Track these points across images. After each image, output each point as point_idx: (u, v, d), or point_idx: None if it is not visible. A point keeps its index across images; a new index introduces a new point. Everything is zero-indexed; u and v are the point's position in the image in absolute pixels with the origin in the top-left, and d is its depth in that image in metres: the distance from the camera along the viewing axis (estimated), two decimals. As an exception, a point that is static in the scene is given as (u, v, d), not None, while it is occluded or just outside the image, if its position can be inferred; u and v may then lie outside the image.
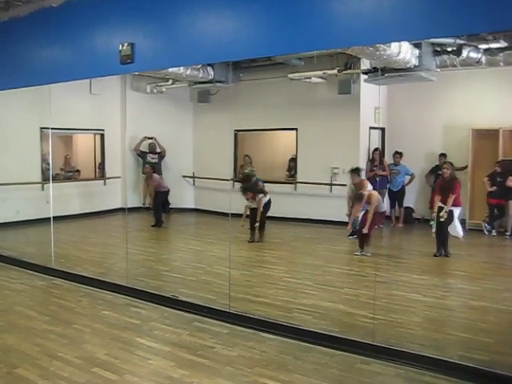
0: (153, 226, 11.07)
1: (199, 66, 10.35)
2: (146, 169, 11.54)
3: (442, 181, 8.43)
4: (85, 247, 9.38)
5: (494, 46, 8.67)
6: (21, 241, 9.17)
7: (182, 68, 9.94)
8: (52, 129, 9.35)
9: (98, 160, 12.79)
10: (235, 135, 12.48)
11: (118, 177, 12.37)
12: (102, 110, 12.33)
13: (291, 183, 11.74)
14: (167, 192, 11.30)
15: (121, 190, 12.32)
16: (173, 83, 11.92)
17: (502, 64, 8.98)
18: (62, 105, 9.83)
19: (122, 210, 11.24)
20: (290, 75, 10.53)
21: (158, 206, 11.17)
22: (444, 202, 8.12)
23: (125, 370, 4.30)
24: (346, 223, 9.35)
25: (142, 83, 12.41)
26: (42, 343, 4.87)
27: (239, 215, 9.30)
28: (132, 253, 7.93)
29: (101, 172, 12.69)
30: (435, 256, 8.02)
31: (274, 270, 7.69)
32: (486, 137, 10.52)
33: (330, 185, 11.10)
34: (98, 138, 12.69)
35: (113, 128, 12.48)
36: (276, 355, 4.64)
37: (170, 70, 9.73)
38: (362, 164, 11.06)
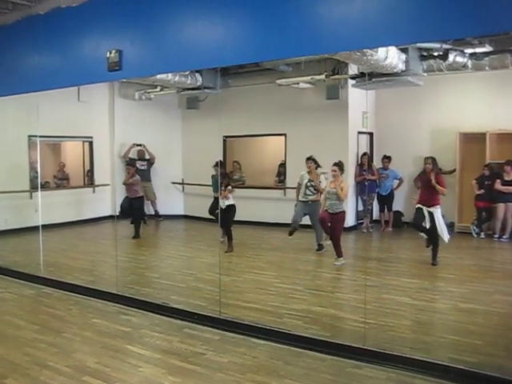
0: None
1: (187, 73, 10.35)
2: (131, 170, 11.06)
3: (424, 177, 8.23)
4: (74, 255, 9.32)
5: (479, 50, 8.77)
6: (9, 250, 9.09)
7: (170, 75, 9.93)
8: (40, 137, 9.29)
9: (87, 167, 12.74)
10: (224, 141, 12.47)
11: (107, 184, 12.31)
12: (91, 117, 12.27)
13: (280, 189, 11.75)
14: (138, 199, 10.92)
15: (110, 197, 12.27)
16: (161, 90, 11.89)
17: (487, 68, 9.07)
18: (50, 112, 9.76)
19: (111, 217, 11.20)
20: (278, 81, 10.55)
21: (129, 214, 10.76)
22: (426, 200, 8.09)
23: (116, 378, 4.28)
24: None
25: (131, 90, 12.37)
26: (31, 352, 4.83)
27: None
28: (122, 260, 7.90)
29: (90, 179, 12.64)
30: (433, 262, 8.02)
31: (265, 276, 7.69)
32: (473, 140, 10.59)
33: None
34: (86, 145, 12.64)
35: (101, 135, 12.42)
36: (267, 361, 4.63)
37: (158, 76, 9.72)
38: (351, 169, 11.12)
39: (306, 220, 9.07)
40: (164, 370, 4.43)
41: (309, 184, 8.99)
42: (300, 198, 9.09)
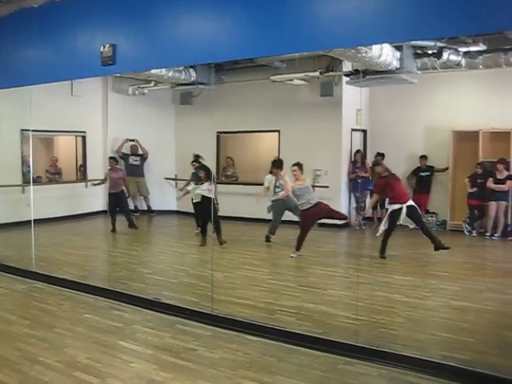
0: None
1: (181, 68, 10.33)
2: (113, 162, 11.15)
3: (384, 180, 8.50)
4: (66, 250, 9.29)
5: (473, 49, 8.80)
6: (0, 244, 9.04)
7: (164, 70, 9.91)
8: (33, 131, 9.25)
9: (80, 162, 12.69)
10: (218, 137, 12.47)
11: (100, 179, 12.27)
12: (84, 111, 12.23)
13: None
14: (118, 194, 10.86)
15: (103, 192, 12.22)
16: (155, 85, 11.87)
17: (481, 67, 9.11)
18: (43, 106, 9.73)
19: (104, 212, 11.16)
20: (273, 77, 10.55)
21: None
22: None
23: (107, 373, 4.27)
24: (329, 225, 9.42)
25: (124, 85, 12.35)
26: (22, 347, 4.80)
27: (220, 217, 9.27)
28: (114, 255, 7.89)
29: (82, 174, 12.60)
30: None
31: (257, 272, 7.68)
32: (466, 138, 10.63)
33: (313, 186, 11.09)
34: (79, 140, 12.60)
35: (95, 130, 12.40)
36: (259, 357, 4.63)
37: (152, 71, 9.69)
38: (344, 166, 11.14)
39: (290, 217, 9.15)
40: (155, 366, 4.41)
41: (277, 184, 9.17)
42: (274, 198, 9.23)
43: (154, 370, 4.34)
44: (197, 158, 10.34)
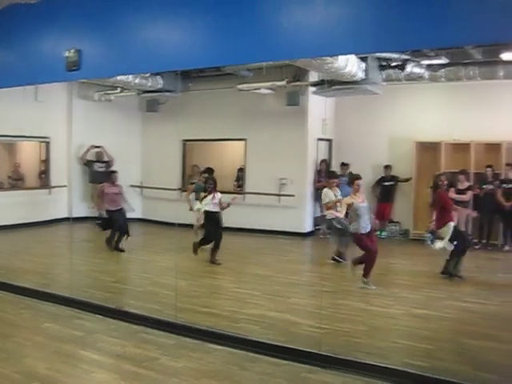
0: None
1: (148, 75, 10.29)
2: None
3: None
4: (28, 258, 9.09)
5: (435, 62, 9.04)
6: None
7: (130, 76, 9.86)
8: (-5, 136, 9.08)
9: (43, 168, 12.49)
10: (184, 145, 12.44)
11: (64, 186, 12.09)
12: (48, 117, 12.05)
13: (240, 193, 11.75)
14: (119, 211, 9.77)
15: (67, 199, 12.05)
16: (121, 91, 11.77)
17: (443, 79, 9.34)
18: (5, 111, 9.56)
19: (68, 219, 10.99)
20: (239, 86, 10.59)
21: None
22: None
23: (66, 383, 4.19)
24: (294, 233, 9.44)
25: (90, 91, 12.21)
26: (-21, 358, 4.69)
27: (186, 225, 9.19)
28: (77, 263, 7.76)
29: (45, 180, 12.38)
30: None
31: (222, 281, 7.67)
32: (428, 149, 10.84)
33: (278, 195, 11.18)
34: (43, 146, 12.39)
35: (59, 136, 12.24)
36: (223, 366, 4.62)
37: (119, 78, 9.63)
38: (310, 175, 11.22)
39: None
40: (117, 375, 4.36)
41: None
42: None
43: (116, 379, 4.29)
44: (210, 171, 9.91)
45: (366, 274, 7.17)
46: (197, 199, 9.23)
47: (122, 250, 9.47)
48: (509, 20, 3.73)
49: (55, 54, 6.12)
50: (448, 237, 7.56)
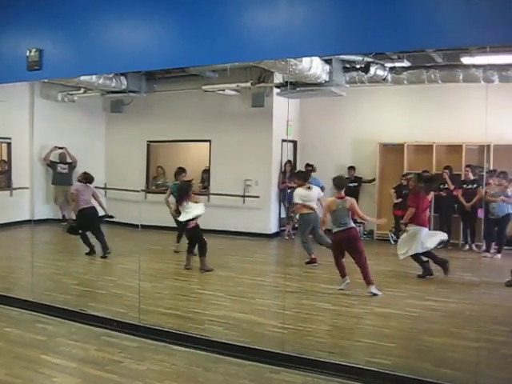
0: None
1: (112, 75, 10.19)
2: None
3: None
4: (-13, 261, 8.91)
5: (398, 64, 9.21)
6: None
7: (94, 77, 9.75)
8: (-48, 136, 8.86)
9: (4, 169, 12.24)
10: (148, 146, 12.35)
11: (26, 187, 11.87)
12: (9, 117, 11.76)
13: (204, 195, 11.72)
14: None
15: (29, 201, 11.83)
16: (85, 92, 11.62)
17: (405, 82, 9.51)
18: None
19: (30, 221, 10.79)
20: (204, 87, 10.58)
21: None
22: None
23: (27, 389, 4.13)
24: (259, 234, 9.45)
25: (53, 91, 12.01)
26: None
27: (150, 227, 9.13)
28: (39, 266, 7.62)
29: (6, 182, 12.13)
30: None
31: (186, 282, 7.65)
32: (392, 151, 11.02)
33: (243, 196, 11.21)
34: (4, 146, 12.14)
35: (21, 136, 11.98)
36: (186, 367, 4.61)
37: (82, 78, 9.51)
38: (275, 176, 11.28)
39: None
40: (79, 380, 4.31)
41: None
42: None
43: None
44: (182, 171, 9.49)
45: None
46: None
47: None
48: (469, 24, 3.84)
49: (16, 53, 6.02)
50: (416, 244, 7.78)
